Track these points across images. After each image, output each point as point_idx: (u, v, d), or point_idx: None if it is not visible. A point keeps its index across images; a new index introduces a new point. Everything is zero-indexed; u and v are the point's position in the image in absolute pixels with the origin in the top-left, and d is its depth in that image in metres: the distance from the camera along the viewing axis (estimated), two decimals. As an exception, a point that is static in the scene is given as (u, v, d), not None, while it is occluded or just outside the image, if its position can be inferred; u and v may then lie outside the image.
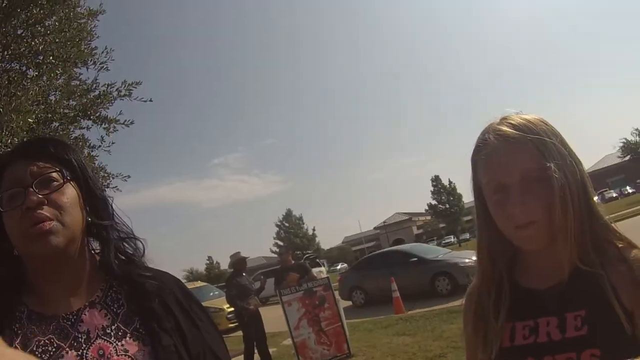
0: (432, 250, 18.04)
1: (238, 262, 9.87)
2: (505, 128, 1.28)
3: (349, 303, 16.97)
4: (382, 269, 16.14)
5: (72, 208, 1.20)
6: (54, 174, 1.21)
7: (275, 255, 57.67)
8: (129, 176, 6.56)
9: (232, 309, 10.21)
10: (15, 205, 1.16)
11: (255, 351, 9.48)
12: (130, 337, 1.19)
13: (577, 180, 1.26)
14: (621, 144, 59.80)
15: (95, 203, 1.28)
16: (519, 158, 1.24)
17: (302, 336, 9.25)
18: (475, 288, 1.46)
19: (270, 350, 9.89)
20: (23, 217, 1.14)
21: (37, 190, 1.16)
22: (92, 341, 1.16)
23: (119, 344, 1.18)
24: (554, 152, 1.24)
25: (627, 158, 60.07)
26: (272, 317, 11.45)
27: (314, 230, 78.71)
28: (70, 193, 1.22)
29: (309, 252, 55.47)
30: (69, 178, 1.23)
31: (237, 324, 10.02)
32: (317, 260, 36.20)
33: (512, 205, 1.24)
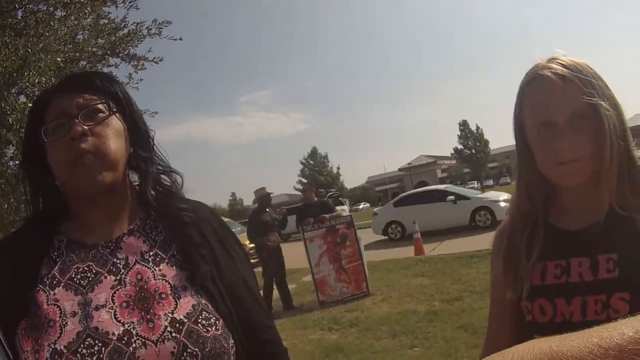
0: (467, 190, 20.05)
1: (263, 197, 9.90)
2: (555, 66, 1.27)
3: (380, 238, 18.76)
4: (421, 204, 17.89)
5: (117, 139, 1.21)
6: (100, 106, 1.21)
7: (298, 193, 58.01)
8: (156, 112, 6.53)
9: (253, 244, 10.34)
10: (59, 136, 1.16)
11: (275, 287, 9.65)
12: (167, 263, 1.21)
13: (621, 122, 1.27)
14: (654, 102, 58.03)
15: (138, 136, 1.29)
16: (569, 96, 1.24)
17: (322, 273, 9.40)
18: (507, 226, 1.47)
19: (290, 286, 10.09)
20: (67, 148, 1.15)
21: (82, 122, 1.16)
22: (130, 266, 1.19)
23: (157, 268, 1.19)
24: (602, 92, 1.25)
25: (658, 119, 58.48)
26: (293, 254, 11.61)
27: (338, 169, 78.82)
28: (115, 125, 1.22)
29: (333, 190, 55.53)
30: (114, 110, 1.24)
31: (258, 259, 10.17)
32: (340, 198, 36.32)
33: (560, 142, 1.25)
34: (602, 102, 1.22)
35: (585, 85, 1.23)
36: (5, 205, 4.62)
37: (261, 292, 9.12)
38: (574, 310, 1.26)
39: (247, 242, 12.79)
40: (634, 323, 0.43)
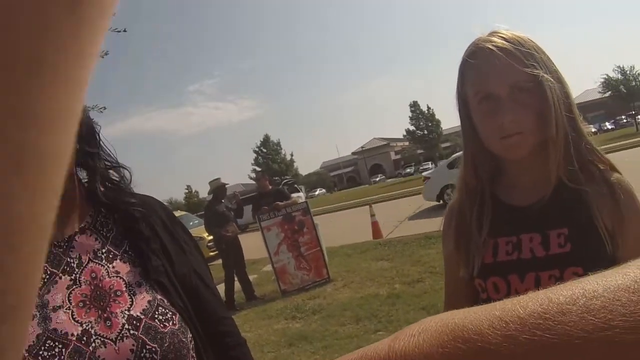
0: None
1: (217, 189, 9.81)
2: (496, 39, 1.27)
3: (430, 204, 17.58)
4: None
5: None
6: None
7: (254, 182, 57.96)
8: (104, 108, 6.38)
9: (211, 237, 10.24)
10: None
11: (236, 278, 9.59)
12: (120, 259, 1.21)
13: (565, 95, 1.26)
14: (602, 80, 59.71)
15: (83, 131, 1.26)
16: (510, 68, 1.23)
17: (282, 261, 9.37)
18: (456, 203, 1.45)
19: (251, 277, 10.04)
20: None
21: None
22: (84, 265, 1.18)
23: (110, 266, 1.19)
24: (544, 65, 1.24)
25: (607, 94, 60.07)
26: (252, 244, 11.54)
27: (292, 155, 78.57)
28: None
29: (287, 177, 55.63)
30: None
31: (217, 252, 10.07)
32: (296, 185, 36.43)
33: (501, 115, 1.24)
34: (544, 74, 1.22)
35: (527, 58, 1.22)
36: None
37: (223, 284, 9.13)
38: (528, 286, 1.25)
39: (205, 234, 12.67)
40: (539, 296, 0.41)
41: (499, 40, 1.25)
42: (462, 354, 0.41)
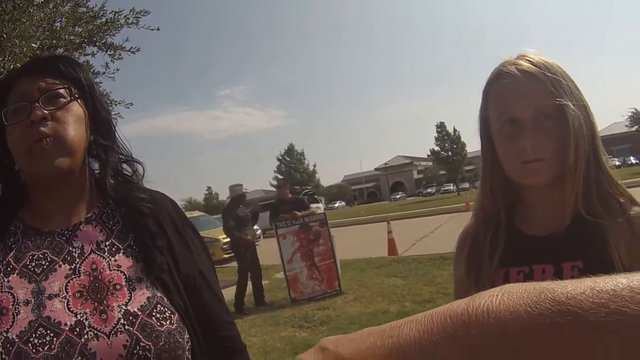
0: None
1: (238, 196, 9.89)
2: (523, 62, 1.25)
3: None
4: None
5: (77, 126, 1.20)
6: (62, 91, 1.20)
7: (274, 189, 58.00)
8: (131, 103, 6.42)
9: (227, 239, 10.28)
10: (19, 119, 1.15)
11: (249, 283, 9.58)
12: (123, 253, 1.20)
13: (590, 126, 1.24)
14: (630, 114, 59.14)
15: (100, 123, 1.28)
16: (535, 93, 1.21)
17: (295, 270, 9.37)
18: (471, 227, 1.43)
19: (262, 282, 10.03)
20: (26, 132, 1.14)
21: (42, 106, 1.16)
22: (85, 256, 1.18)
23: (112, 259, 1.18)
24: (570, 93, 1.22)
25: (634, 128, 59.47)
26: (266, 250, 11.56)
27: (314, 166, 78.50)
28: (76, 110, 1.21)
29: (308, 187, 55.68)
30: (76, 96, 1.22)
31: (231, 255, 10.11)
32: (316, 196, 36.39)
33: (523, 139, 1.21)
34: (568, 102, 1.19)
35: (553, 84, 1.21)
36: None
37: (235, 287, 9.14)
38: None
39: (221, 236, 12.69)
40: (629, 275, 0.45)
41: (526, 64, 1.23)
42: (550, 314, 0.43)
